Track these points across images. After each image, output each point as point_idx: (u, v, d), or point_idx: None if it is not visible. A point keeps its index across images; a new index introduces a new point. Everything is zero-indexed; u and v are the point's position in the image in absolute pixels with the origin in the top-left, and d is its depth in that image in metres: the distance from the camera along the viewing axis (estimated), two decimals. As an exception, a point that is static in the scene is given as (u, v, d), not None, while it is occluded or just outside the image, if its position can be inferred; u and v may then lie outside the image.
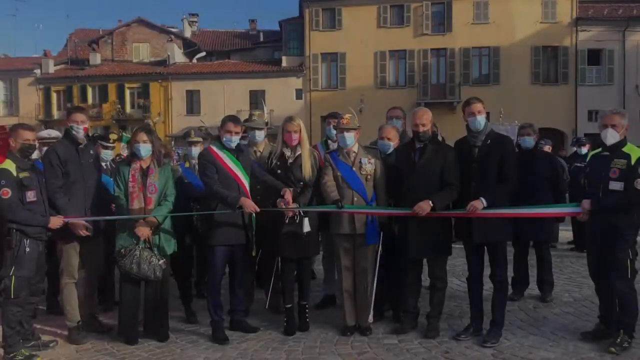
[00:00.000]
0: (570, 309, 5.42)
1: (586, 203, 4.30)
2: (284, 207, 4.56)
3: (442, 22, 28.98)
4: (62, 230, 4.48)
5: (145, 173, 4.60)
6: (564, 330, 4.77)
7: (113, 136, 6.10)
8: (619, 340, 4.20)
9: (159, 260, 4.52)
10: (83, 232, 4.56)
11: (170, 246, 4.75)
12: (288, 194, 4.55)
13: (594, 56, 28.30)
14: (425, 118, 4.57)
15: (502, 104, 22.72)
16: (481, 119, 4.50)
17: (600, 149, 4.46)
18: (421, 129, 4.55)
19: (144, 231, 4.50)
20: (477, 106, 4.51)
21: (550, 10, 28.23)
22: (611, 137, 4.26)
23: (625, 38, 27.91)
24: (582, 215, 4.36)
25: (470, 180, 4.46)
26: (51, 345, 4.58)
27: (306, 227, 4.64)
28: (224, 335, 4.67)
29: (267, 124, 5.71)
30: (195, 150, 5.75)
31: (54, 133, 5.74)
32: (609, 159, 4.23)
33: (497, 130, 4.82)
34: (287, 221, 4.65)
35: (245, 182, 4.72)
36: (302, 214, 4.65)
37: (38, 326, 5.03)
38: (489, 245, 4.53)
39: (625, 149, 4.23)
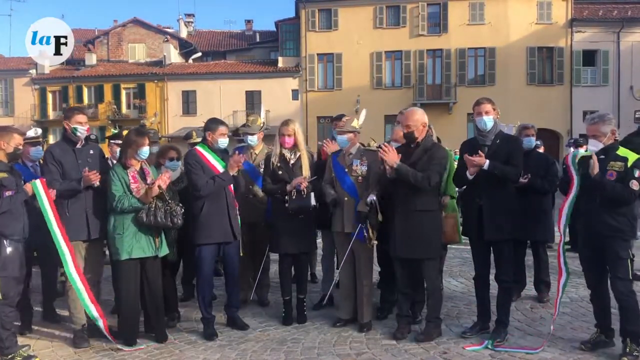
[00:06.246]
0: (567, 309, 5.43)
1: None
2: (296, 183, 4.78)
3: (438, 22, 29.06)
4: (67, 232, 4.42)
5: (141, 174, 4.61)
6: (561, 331, 4.79)
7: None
8: (628, 349, 4.09)
9: (176, 206, 4.50)
10: (95, 180, 4.43)
11: (167, 248, 4.75)
12: (300, 179, 4.80)
13: (589, 57, 28.47)
14: (412, 119, 4.54)
15: (497, 105, 22.59)
16: (487, 120, 4.52)
17: None
18: (406, 130, 4.56)
19: (154, 192, 4.42)
20: (485, 106, 4.54)
21: (546, 12, 28.37)
22: (592, 146, 4.30)
23: (619, 39, 28.09)
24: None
25: (478, 178, 4.44)
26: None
27: (313, 201, 4.83)
28: (214, 331, 4.80)
29: (263, 124, 5.77)
30: None
31: (39, 131, 5.53)
32: (605, 162, 4.22)
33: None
34: (294, 196, 4.80)
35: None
36: (310, 188, 4.84)
37: (35, 327, 5.04)
38: (497, 244, 4.52)
39: (620, 152, 4.21)
